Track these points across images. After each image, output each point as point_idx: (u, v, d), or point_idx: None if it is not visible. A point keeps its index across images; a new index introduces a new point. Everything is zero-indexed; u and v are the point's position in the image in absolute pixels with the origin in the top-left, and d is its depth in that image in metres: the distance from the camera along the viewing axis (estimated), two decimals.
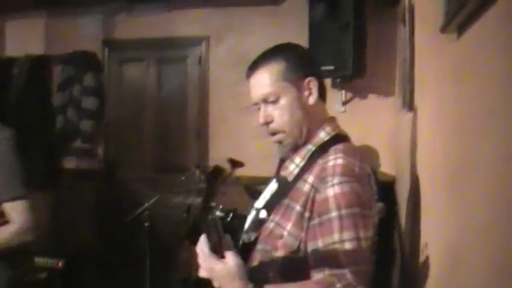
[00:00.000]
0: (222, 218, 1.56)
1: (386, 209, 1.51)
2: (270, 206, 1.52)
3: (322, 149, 1.48)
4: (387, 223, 1.48)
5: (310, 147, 1.51)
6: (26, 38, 4.99)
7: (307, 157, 1.50)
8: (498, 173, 0.83)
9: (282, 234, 1.42)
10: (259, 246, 1.48)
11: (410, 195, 2.20)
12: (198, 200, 3.80)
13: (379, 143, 4.19)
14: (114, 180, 4.95)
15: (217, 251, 1.26)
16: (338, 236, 1.31)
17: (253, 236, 1.51)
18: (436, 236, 1.51)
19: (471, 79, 1.07)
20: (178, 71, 4.91)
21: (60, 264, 3.50)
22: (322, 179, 1.40)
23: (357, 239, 1.31)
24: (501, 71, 0.82)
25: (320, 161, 1.45)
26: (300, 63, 1.54)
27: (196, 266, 1.34)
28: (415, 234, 1.94)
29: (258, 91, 1.53)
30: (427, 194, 1.79)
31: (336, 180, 1.36)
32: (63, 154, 4.92)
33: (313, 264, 1.34)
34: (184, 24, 4.73)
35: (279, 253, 1.42)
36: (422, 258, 1.66)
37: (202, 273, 1.32)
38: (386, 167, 4.01)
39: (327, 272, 1.29)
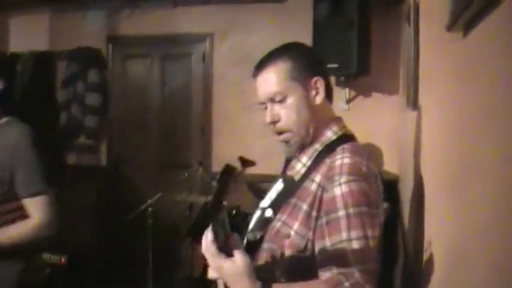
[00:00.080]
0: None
1: (391, 208, 1.51)
2: (276, 205, 1.52)
3: (329, 148, 1.48)
4: (390, 222, 1.48)
5: (317, 147, 1.51)
6: (30, 34, 4.99)
7: (314, 156, 1.50)
8: (502, 173, 0.83)
9: (289, 234, 1.42)
10: (265, 246, 1.48)
11: (414, 194, 2.20)
12: (201, 198, 3.81)
13: (382, 141, 4.18)
14: (118, 176, 4.96)
15: (225, 249, 1.25)
16: (346, 234, 1.31)
17: (258, 235, 1.51)
18: (439, 235, 1.51)
19: (476, 78, 1.06)
20: (182, 67, 4.91)
21: (63, 260, 3.51)
22: (329, 178, 1.40)
23: (365, 237, 1.31)
24: (506, 71, 0.82)
25: (327, 161, 1.45)
26: (306, 62, 1.54)
27: (202, 266, 1.34)
28: (418, 234, 1.93)
29: (265, 90, 1.53)
30: (430, 193, 1.79)
31: (344, 179, 1.36)
32: (67, 150, 4.93)
33: (320, 263, 1.34)
34: (189, 21, 4.72)
35: (286, 252, 1.41)
36: (425, 257, 1.66)
37: (212, 273, 1.32)
38: (389, 166, 4.00)
39: (335, 270, 1.29)
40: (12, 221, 2.09)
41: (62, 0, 4.91)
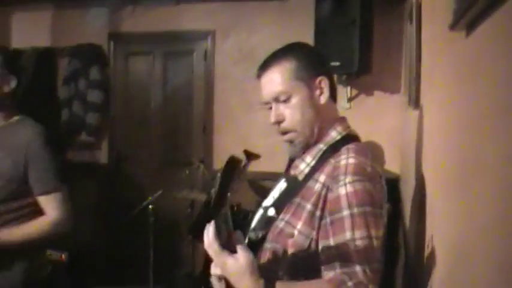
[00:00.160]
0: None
1: (392, 209, 1.51)
2: (279, 205, 1.52)
3: (334, 148, 1.48)
4: (391, 222, 1.48)
5: (322, 147, 1.51)
6: (31, 31, 4.99)
7: (318, 156, 1.50)
8: (504, 173, 0.82)
9: (292, 233, 1.42)
10: (268, 245, 1.48)
11: (416, 193, 2.20)
12: (202, 196, 3.81)
13: (383, 140, 4.15)
14: (119, 174, 4.96)
15: (228, 246, 1.25)
16: (350, 234, 1.31)
17: (260, 234, 1.51)
18: (440, 235, 1.51)
19: (478, 78, 1.06)
20: (184, 65, 4.91)
21: (63, 256, 3.50)
22: (334, 177, 1.39)
23: (369, 237, 1.31)
24: (509, 71, 0.82)
25: (332, 161, 1.45)
26: (311, 62, 1.54)
27: (203, 263, 1.33)
28: (419, 233, 1.93)
29: (269, 90, 1.52)
30: (432, 193, 1.78)
31: (348, 179, 1.36)
32: (68, 147, 4.93)
33: (324, 263, 1.33)
34: (191, 18, 4.72)
35: (289, 252, 1.41)
36: (427, 255, 1.65)
37: (215, 270, 1.31)
38: (390, 165, 3.99)
39: (338, 270, 1.29)
40: (21, 218, 2.12)
41: None
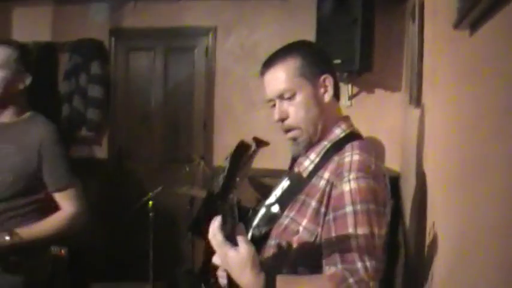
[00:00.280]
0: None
1: (393, 208, 1.51)
2: (283, 202, 1.52)
3: (338, 145, 1.49)
4: (391, 219, 1.48)
5: (326, 144, 1.52)
6: (33, 26, 4.98)
7: (322, 153, 1.51)
8: (505, 172, 0.82)
9: (297, 230, 1.42)
10: (272, 242, 1.48)
11: (416, 191, 2.20)
12: (202, 192, 3.81)
13: (384, 138, 4.18)
14: (120, 170, 4.96)
15: (231, 239, 1.24)
16: (352, 231, 1.31)
17: (264, 230, 1.51)
18: (441, 234, 1.51)
19: (481, 77, 1.06)
20: (185, 61, 4.90)
21: (63, 251, 3.51)
22: (338, 174, 1.40)
23: (371, 235, 1.31)
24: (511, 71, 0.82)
25: (336, 158, 1.45)
26: (315, 60, 1.54)
27: (204, 259, 1.33)
28: (420, 231, 1.93)
29: (274, 87, 1.52)
30: (433, 191, 1.78)
31: (352, 175, 1.36)
32: (69, 142, 4.93)
33: (326, 258, 1.34)
34: (192, 14, 4.72)
35: (294, 249, 1.41)
36: (427, 254, 1.65)
37: (216, 260, 1.31)
38: (390, 163, 4.00)
39: (340, 266, 1.29)
40: (27, 215, 2.14)
41: None
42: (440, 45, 1.75)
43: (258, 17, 4.56)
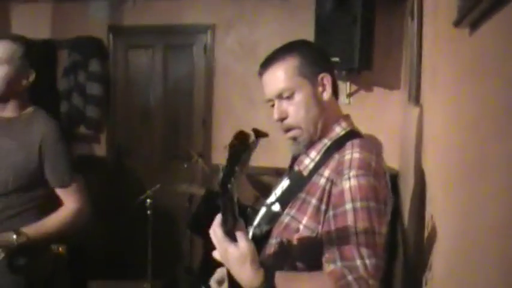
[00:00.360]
0: None
1: (392, 207, 1.52)
2: (284, 200, 1.52)
3: (338, 143, 1.49)
4: (390, 218, 1.48)
5: (326, 142, 1.52)
6: (32, 23, 4.97)
7: (322, 151, 1.51)
8: (506, 172, 0.82)
9: (298, 228, 1.42)
10: (273, 240, 1.48)
11: (415, 190, 2.20)
12: (201, 190, 3.81)
13: (382, 137, 4.17)
14: (119, 167, 4.96)
15: (231, 235, 1.24)
16: (352, 228, 1.31)
17: (265, 229, 1.51)
18: (441, 233, 1.51)
19: (481, 76, 1.06)
20: (185, 58, 4.89)
21: (61, 249, 3.50)
22: (338, 172, 1.40)
23: (371, 232, 1.31)
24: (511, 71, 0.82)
25: (336, 156, 1.45)
26: (314, 59, 1.54)
27: (204, 256, 1.33)
28: (419, 230, 1.93)
29: (273, 87, 1.52)
30: (432, 190, 1.78)
31: (353, 172, 1.36)
32: (68, 140, 4.92)
33: (325, 256, 1.34)
34: (192, 12, 4.71)
35: (295, 247, 1.41)
36: (426, 253, 1.66)
37: (216, 255, 1.31)
38: (389, 161, 3.99)
39: (339, 263, 1.29)
40: (28, 211, 2.14)
41: None
42: (440, 43, 1.75)
43: (257, 16, 4.55)
